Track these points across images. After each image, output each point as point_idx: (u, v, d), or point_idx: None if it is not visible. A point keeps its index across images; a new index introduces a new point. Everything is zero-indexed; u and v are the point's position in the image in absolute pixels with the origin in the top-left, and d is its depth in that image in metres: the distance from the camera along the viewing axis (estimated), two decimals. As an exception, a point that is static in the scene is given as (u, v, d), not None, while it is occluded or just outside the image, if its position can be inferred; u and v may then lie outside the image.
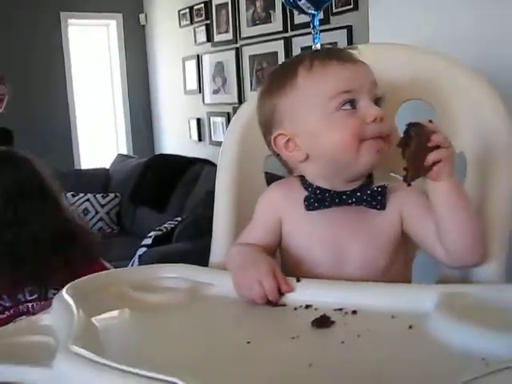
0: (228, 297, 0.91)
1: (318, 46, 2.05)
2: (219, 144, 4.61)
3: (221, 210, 1.15)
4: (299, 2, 1.98)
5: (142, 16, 5.63)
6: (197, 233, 3.19)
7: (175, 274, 1.00)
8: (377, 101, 0.94)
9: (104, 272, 1.01)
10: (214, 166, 3.92)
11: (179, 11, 5.01)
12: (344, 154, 0.92)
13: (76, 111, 5.38)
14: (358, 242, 0.96)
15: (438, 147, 0.84)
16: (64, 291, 0.89)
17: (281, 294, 0.88)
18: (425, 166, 0.85)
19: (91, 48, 5.66)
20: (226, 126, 4.48)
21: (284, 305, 0.87)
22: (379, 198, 0.94)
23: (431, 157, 0.84)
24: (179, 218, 3.42)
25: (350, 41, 3.37)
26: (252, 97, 1.27)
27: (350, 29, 3.36)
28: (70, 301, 0.84)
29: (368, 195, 0.94)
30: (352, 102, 0.92)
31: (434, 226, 0.91)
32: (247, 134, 1.19)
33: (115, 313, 0.89)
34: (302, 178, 1.01)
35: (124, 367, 0.62)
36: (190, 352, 0.73)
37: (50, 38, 5.13)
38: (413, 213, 0.96)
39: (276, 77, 1.00)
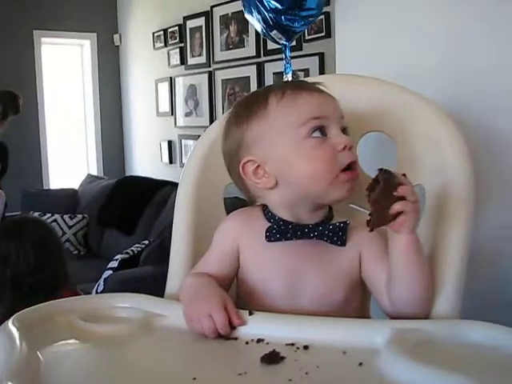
0: (180, 328, 0.89)
1: (289, 76, 2.06)
2: (189, 167, 4.48)
3: (178, 240, 1.13)
4: (271, 33, 1.99)
5: (116, 36, 5.63)
6: (163, 257, 3.14)
7: (127, 304, 0.98)
8: (343, 131, 0.96)
9: (52, 302, 0.98)
10: (184, 189, 3.92)
11: (153, 33, 5.02)
12: (315, 184, 0.93)
13: (47, 131, 5.33)
14: (314, 276, 0.96)
15: (403, 198, 0.85)
16: (10, 322, 0.86)
17: (232, 327, 0.86)
18: (389, 215, 0.86)
19: (64, 67, 5.62)
20: (198, 149, 4.47)
21: (235, 338, 0.86)
22: (340, 233, 0.94)
23: (396, 206, 0.85)
24: (146, 242, 3.38)
25: (322, 67, 3.40)
26: (216, 123, 1.26)
27: (321, 56, 3.40)
28: (15, 332, 0.82)
29: (330, 230, 0.94)
30: (322, 129, 0.93)
31: (386, 273, 0.92)
32: (208, 161, 1.18)
33: (62, 345, 0.86)
34: (264, 208, 1.00)
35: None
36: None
37: (23, 57, 5.09)
38: (370, 255, 0.97)
39: (245, 105, 1.00)
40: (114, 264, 3.18)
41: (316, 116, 0.93)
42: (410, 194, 0.85)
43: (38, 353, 0.78)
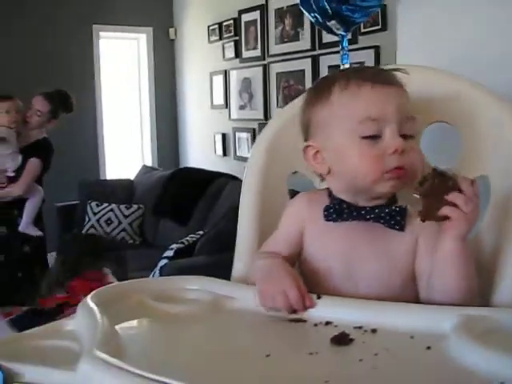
0: (249, 310, 0.92)
1: (347, 67, 2.05)
2: (244, 159, 4.64)
3: (244, 224, 1.16)
4: (329, 23, 1.98)
5: (171, 30, 5.70)
6: (218, 247, 3.20)
7: (196, 286, 1.02)
8: (407, 121, 0.95)
9: (126, 282, 1.03)
10: (238, 181, 3.96)
11: (209, 27, 5.07)
12: (361, 180, 0.95)
13: (104, 123, 5.45)
14: (370, 260, 0.97)
15: (454, 205, 0.86)
16: (88, 298, 0.91)
17: (304, 307, 0.89)
18: (437, 215, 0.88)
19: (121, 61, 5.74)
20: (252, 142, 4.50)
21: (304, 320, 0.88)
22: (398, 218, 0.95)
23: (444, 210, 0.87)
24: (201, 232, 3.44)
25: (378, 61, 3.38)
26: (278, 114, 1.29)
27: (377, 49, 3.38)
28: (94, 308, 0.86)
29: (386, 213, 0.95)
30: (375, 134, 0.94)
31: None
32: (273, 150, 1.21)
33: (136, 322, 0.90)
34: (330, 190, 1.03)
35: (145, 373, 0.64)
36: (209, 363, 0.74)
37: (82, 51, 5.21)
38: (424, 244, 0.97)
39: (316, 90, 1.03)
40: (169, 253, 3.25)
41: (373, 117, 0.93)
42: (463, 204, 0.86)
43: (117, 327, 0.83)
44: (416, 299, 0.98)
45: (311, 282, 0.98)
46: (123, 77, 5.72)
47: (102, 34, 5.36)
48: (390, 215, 0.95)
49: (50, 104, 3.35)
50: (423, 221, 0.89)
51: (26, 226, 3.31)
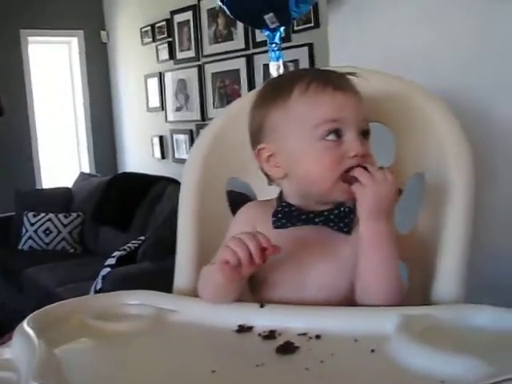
0: (192, 323, 0.91)
1: (281, 63, 2.03)
2: (182, 162, 4.61)
3: (183, 235, 1.14)
4: (265, 16, 1.92)
5: (103, 33, 5.60)
6: (161, 252, 3.17)
7: (138, 301, 0.99)
8: (363, 133, 0.96)
9: (64, 302, 0.99)
10: (178, 184, 3.90)
11: (141, 29, 5.00)
12: (317, 185, 0.94)
13: (37, 129, 5.31)
14: (320, 264, 0.97)
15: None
16: (25, 323, 0.87)
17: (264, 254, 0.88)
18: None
19: (52, 65, 5.59)
20: (189, 144, 4.48)
21: (250, 328, 0.87)
22: (346, 220, 0.95)
23: (352, 188, 0.90)
24: (143, 238, 3.39)
25: (312, 58, 3.41)
26: (215, 117, 1.28)
27: (311, 46, 3.40)
28: (31, 333, 0.83)
29: (335, 215, 0.95)
30: (337, 132, 0.93)
31: None
32: (210, 154, 1.19)
33: (77, 343, 0.87)
34: (279, 197, 1.02)
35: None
36: (155, 382, 0.72)
37: (10, 56, 5.06)
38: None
39: (272, 89, 1.01)
40: (111, 261, 3.19)
41: (334, 118, 0.93)
42: (366, 179, 0.89)
43: (55, 351, 0.80)
44: None
45: (260, 291, 0.97)
46: (56, 82, 5.59)
47: (30, 38, 5.21)
48: (339, 217, 0.95)
49: None
50: None
51: None
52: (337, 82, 0.96)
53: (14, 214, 4.48)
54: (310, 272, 0.96)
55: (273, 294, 0.97)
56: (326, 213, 0.96)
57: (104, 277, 3.08)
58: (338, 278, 0.96)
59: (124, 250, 3.29)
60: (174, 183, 3.87)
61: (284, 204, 0.98)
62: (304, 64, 3.43)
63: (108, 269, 3.13)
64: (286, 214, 0.97)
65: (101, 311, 0.96)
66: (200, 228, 1.14)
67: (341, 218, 0.95)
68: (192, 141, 4.45)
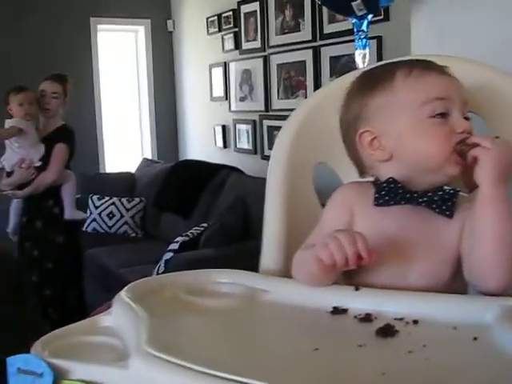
0: (284, 304, 0.91)
1: (367, 52, 2.02)
2: (244, 151, 4.65)
3: (271, 218, 1.15)
4: (353, 3, 1.92)
5: (169, 22, 5.67)
6: (224, 239, 3.21)
7: (228, 279, 1.01)
8: (466, 106, 0.97)
9: (158, 276, 1.02)
10: (240, 172, 3.95)
11: (207, 18, 5.04)
12: (429, 161, 0.94)
13: (103, 116, 5.43)
14: (422, 252, 0.95)
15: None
16: (122, 293, 0.89)
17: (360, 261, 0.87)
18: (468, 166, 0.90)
19: (119, 53, 5.70)
20: (252, 134, 4.49)
21: (345, 310, 0.87)
22: (449, 203, 0.93)
23: (472, 152, 0.89)
24: (205, 225, 3.43)
25: (380, 51, 3.36)
26: (302, 103, 1.28)
27: (379, 39, 3.36)
28: (131, 303, 0.85)
29: (440, 197, 0.93)
30: (444, 111, 0.94)
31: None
32: (298, 140, 1.19)
33: (172, 316, 0.88)
34: (376, 181, 1.01)
35: (199, 367, 0.63)
36: (259, 357, 0.73)
37: (80, 44, 5.18)
38: (468, 225, 0.94)
39: (370, 77, 1.02)
40: (174, 246, 3.24)
41: (441, 97, 0.94)
42: (488, 143, 0.88)
43: (158, 322, 0.82)
44: (466, 289, 0.96)
45: (359, 275, 0.95)
46: (122, 70, 5.69)
47: (99, 26, 5.32)
48: (443, 199, 0.93)
49: (60, 84, 3.35)
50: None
51: (70, 212, 3.31)
52: (438, 67, 0.98)
53: (79, 196, 4.59)
54: (412, 260, 0.94)
55: (372, 279, 0.95)
56: (430, 193, 0.94)
57: (167, 261, 3.14)
58: (440, 266, 0.94)
59: (187, 235, 3.34)
60: (236, 172, 3.90)
61: (390, 180, 0.96)
62: (372, 57, 3.38)
63: (171, 253, 3.18)
64: (390, 191, 0.95)
65: (193, 287, 0.97)
66: (288, 210, 1.14)
67: (444, 200, 0.93)
68: (255, 131, 4.47)
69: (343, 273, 0.95)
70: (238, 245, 3.13)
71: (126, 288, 0.92)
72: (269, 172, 1.20)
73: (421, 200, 0.94)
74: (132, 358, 0.68)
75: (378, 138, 0.98)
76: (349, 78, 1.09)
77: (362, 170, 1.05)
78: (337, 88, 1.13)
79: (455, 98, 0.95)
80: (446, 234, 0.95)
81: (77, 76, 4.97)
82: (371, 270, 0.95)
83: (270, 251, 1.12)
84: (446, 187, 0.95)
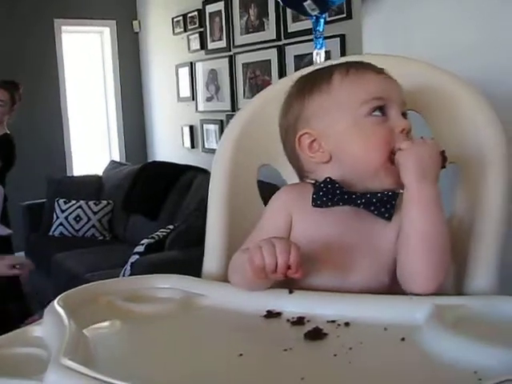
0: (220, 308, 0.90)
1: (322, 52, 2.02)
2: (212, 151, 4.63)
3: (213, 220, 1.14)
4: (304, 3, 1.92)
5: (135, 23, 5.63)
6: (189, 241, 3.18)
7: (167, 285, 1.00)
8: (404, 116, 0.97)
9: (95, 283, 1.00)
10: (207, 173, 3.90)
11: (173, 19, 5.01)
12: (365, 165, 0.93)
13: (69, 118, 5.36)
14: (363, 252, 0.94)
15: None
16: (55, 302, 0.88)
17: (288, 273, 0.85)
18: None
19: (84, 55, 5.64)
20: (219, 134, 4.48)
21: (279, 314, 0.86)
22: (388, 206, 0.92)
23: (395, 159, 0.91)
24: (171, 226, 3.41)
25: (343, 49, 3.38)
26: (245, 105, 1.27)
27: (343, 38, 3.37)
28: (61, 312, 0.84)
29: (378, 199, 0.92)
30: (383, 109, 0.94)
31: None
32: (241, 143, 1.18)
33: (106, 324, 0.88)
34: (315, 183, 0.99)
35: (116, 381, 0.62)
36: (181, 365, 0.72)
37: (44, 45, 5.12)
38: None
39: (308, 79, 1.01)
40: (140, 248, 3.22)
41: (379, 96, 0.94)
42: (406, 145, 0.90)
43: (85, 331, 0.81)
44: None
45: (300, 279, 0.92)
46: (88, 71, 5.64)
47: (64, 28, 5.26)
48: (381, 201, 0.92)
49: (7, 92, 3.30)
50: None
51: None
52: (375, 68, 0.98)
53: (45, 200, 4.54)
54: (351, 265, 0.93)
55: (311, 285, 0.93)
56: (368, 195, 0.93)
57: (133, 264, 3.11)
58: (380, 271, 0.93)
59: (153, 238, 3.31)
60: (204, 173, 3.88)
61: (328, 180, 0.94)
62: (335, 55, 3.40)
63: (137, 256, 3.16)
64: (328, 191, 0.93)
65: (130, 294, 0.96)
66: (230, 214, 1.13)
67: (383, 202, 0.92)
68: (222, 131, 4.44)
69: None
70: (203, 246, 3.10)
71: (59, 297, 0.90)
72: (212, 175, 1.19)
73: (359, 201, 0.93)
74: (48, 370, 0.67)
75: (318, 140, 0.97)
76: (292, 79, 1.08)
77: (302, 175, 1.04)
78: (281, 89, 1.13)
79: (393, 98, 0.95)
80: (384, 237, 0.94)
81: (42, 79, 4.95)
82: (310, 275, 0.93)
83: (211, 255, 1.11)
84: (387, 191, 0.93)
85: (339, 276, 0.94)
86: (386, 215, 0.92)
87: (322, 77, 0.98)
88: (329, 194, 0.94)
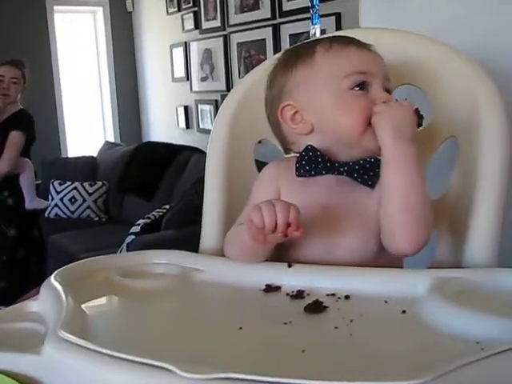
0: (218, 282, 0.90)
1: (318, 28, 2.00)
2: (207, 132, 4.61)
3: (210, 196, 1.13)
4: None
5: (128, 2, 5.56)
6: (185, 221, 3.17)
7: (164, 260, 0.99)
8: (387, 81, 0.97)
9: (92, 258, 0.99)
10: (203, 153, 3.92)
11: (166, -2, 4.96)
12: (348, 134, 0.94)
13: (62, 99, 5.32)
14: (349, 220, 0.94)
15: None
16: (52, 278, 0.87)
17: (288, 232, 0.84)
18: None
19: (78, 35, 5.59)
20: (214, 114, 4.45)
21: (278, 287, 0.86)
22: (371, 173, 0.93)
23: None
24: (167, 206, 3.40)
25: (339, 28, 3.35)
26: (239, 83, 1.26)
27: (338, 16, 3.34)
28: (59, 287, 0.83)
29: (361, 166, 0.94)
30: (364, 84, 0.94)
31: None
32: (237, 119, 1.18)
33: (103, 299, 0.87)
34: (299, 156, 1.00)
35: (114, 353, 0.61)
36: (180, 338, 0.72)
37: (36, 25, 5.06)
38: None
39: (292, 53, 1.03)
40: (136, 229, 3.21)
41: (361, 71, 0.94)
42: (382, 107, 0.90)
43: (82, 306, 0.80)
44: (393, 264, 0.95)
45: (289, 249, 0.95)
46: (81, 52, 5.58)
47: (56, 8, 5.20)
48: (364, 168, 0.94)
49: (19, 69, 3.26)
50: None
51: (30, 202, 3.22)
52: (358, 42, 0.99)
53: (40, 182, 4.52)
54: (338, 233, 0.94)
55: (301, 254, 0.95)
56: (351, 163, 0.94)
57: (128, 244, 3.10)
58: (366, 238, 0.94)
59: (148, 218, 3.30)
60: (199, 153, 3.87)
61: (309, 147, 0.96)
62: (331, 33, 3.37)
63: (132, 236, 3.15)
64: (310, 160, 0.95)
65: (127, 269, 0.96)
66: (227, 189, 1.13)
67: (366, 169, 0.94)
68: (217, 111, 4.41)
69: (276, 249, 0.93)
70: (199, 226, 3.10)
71: (55, 272, 0.89)
72: (208, 151, 1.18)
73: (342, 169, 0.95)
74: (45, 343, 0.66)
75: (300, 111, 0.98)
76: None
77: (286, 147, 1.06)
78: (270, 66, 1.11)
79: (376, 73, 0.95)
80: (369, 204, 0.94)
81: (35, 59, 4.86)
82: (299, 245, 0.94)
83: (208, 230, 1.11)
84: (369, 157, 0.94)
85: (327, 247, 0.94)
86: (369, 182, 0.94)
87: (306, 50, 0.99)
88: (312, 162, 0.96)
